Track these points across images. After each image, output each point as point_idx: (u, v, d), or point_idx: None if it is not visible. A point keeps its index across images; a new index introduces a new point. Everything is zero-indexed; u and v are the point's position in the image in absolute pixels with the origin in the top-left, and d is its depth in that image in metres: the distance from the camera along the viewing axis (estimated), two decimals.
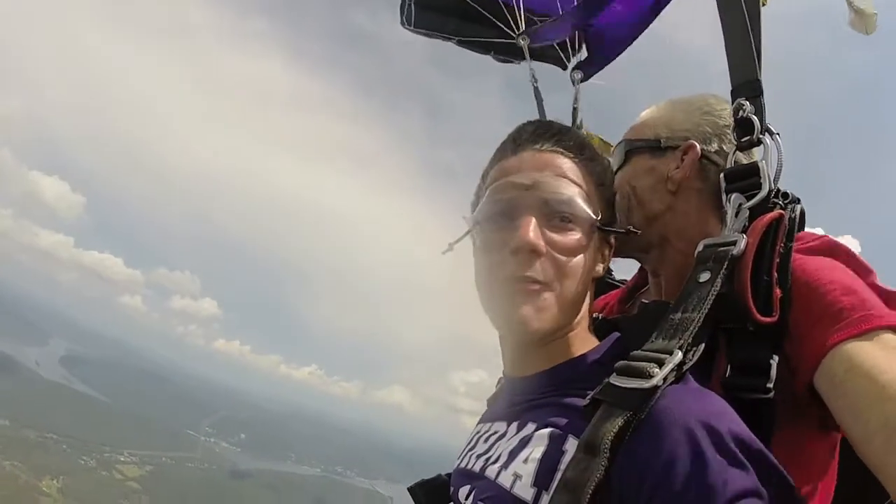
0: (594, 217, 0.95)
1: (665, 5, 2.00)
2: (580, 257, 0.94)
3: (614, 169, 1.27)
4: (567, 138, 1.00)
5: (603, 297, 1.52)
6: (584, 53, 2.31)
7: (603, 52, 2.18)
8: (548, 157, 0.97)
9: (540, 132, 1.01)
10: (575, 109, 2.01)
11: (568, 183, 0.95)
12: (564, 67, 2.48)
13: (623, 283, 1.58)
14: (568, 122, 1.93)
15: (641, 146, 1.29)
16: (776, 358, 0.89)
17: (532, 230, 0.90)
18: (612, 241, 1.06)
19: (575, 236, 0.94)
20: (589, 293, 1.02)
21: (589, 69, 2.13)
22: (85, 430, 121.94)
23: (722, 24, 1.12)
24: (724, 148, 1.19)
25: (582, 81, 2.08)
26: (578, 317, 0.99)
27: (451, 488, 1.04)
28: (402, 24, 2.90)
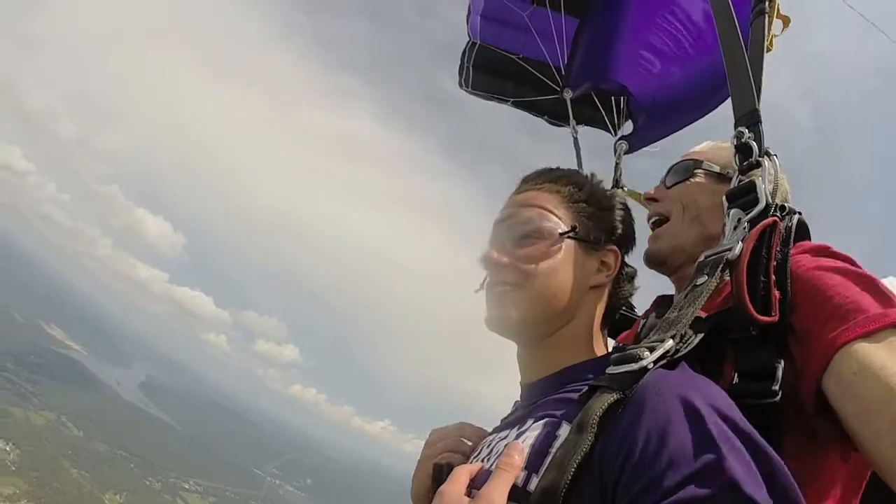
0: (559, 228, 1.07)
1: (724, 99, 1.97)
2: (548, 262, 1.04)
3: (670, 183, 1.44)
4: (542, 177, 1.16)
5: (627, 332, 1.53)
6: (630, 124, 2.39)
7: (650, 128, 2.18)
8: (522, 196, 1.15)
9: (524, 180, 1.19)
10: (617, 164, 2.06)
11: (531, 208, 1.10)
12: (613, 133, 2.60)
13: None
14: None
15: (709, 169, 1.40)
16: (782, 362, 0.90)
17: (493, 250, 1.09)
18: (611, 250, 1.13)
19: (539, 247, 1.06)
20: (586, 301, 1.09)
21: (635, 142, 2.12)
22: (154, 452, 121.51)
23: (726, 65, 1.27)
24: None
25: (627, 153, 2.09)
26: (569, 318, 1.07)
27: None
28: (461, 85, 3.02)
